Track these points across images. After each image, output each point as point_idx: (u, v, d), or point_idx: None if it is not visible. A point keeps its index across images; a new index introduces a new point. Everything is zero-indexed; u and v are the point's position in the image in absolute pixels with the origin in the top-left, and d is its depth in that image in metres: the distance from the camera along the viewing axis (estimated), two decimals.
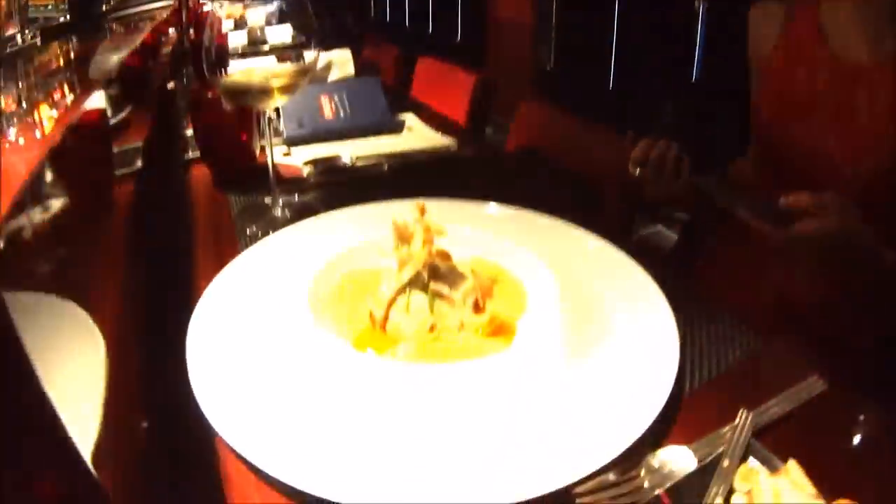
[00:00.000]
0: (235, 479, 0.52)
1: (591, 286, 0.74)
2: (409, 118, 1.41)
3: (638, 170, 1.01)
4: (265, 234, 0.90)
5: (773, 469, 0.49)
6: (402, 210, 0.88)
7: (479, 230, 0.80)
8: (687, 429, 0.56)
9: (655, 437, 0.54)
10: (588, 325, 0.67)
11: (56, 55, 1.47)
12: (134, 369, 0.64)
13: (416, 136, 1.33)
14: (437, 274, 0.67)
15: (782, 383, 0.60)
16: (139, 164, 1.06)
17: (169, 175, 1.27)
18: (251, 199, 1.03)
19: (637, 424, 0.54)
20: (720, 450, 0.52)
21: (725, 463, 0.50)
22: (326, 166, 1.15)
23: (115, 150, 1.06)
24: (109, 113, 1.09)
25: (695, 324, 0.71)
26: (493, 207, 0.91)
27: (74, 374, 0.51)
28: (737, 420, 0.55)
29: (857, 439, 0.60)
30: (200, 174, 1.15)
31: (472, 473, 0.51)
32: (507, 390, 0.58)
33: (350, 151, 1.20)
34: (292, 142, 1.25)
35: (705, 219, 1.10)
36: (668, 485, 0.50)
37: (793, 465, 0.47)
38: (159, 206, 1.11)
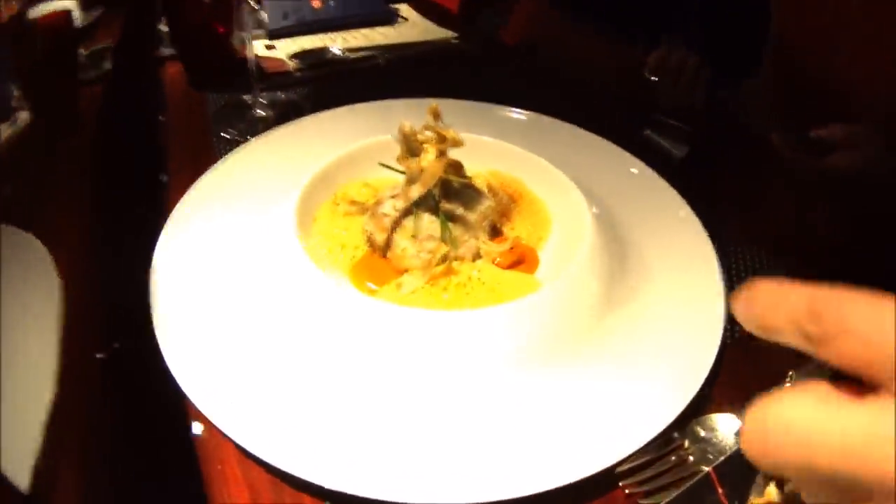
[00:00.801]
0: (209, 444, 0.44)
1: (624, 211, 0.63)
2: (403, 8, 1.27)
3: (653, 76, 0.94)
4: (244, 138, 0.78)
5: None
6: (402, 110, 0.76)
7: (493, 138, 0.68)
8: (729, 389, 0.49)
9: (699, 399, 0.46)
10: (623, 261, 0.57)
11: None
12: (94, 309, 0.53)
13: (411, 27, 1.20)
14: (449, 191, 0.56)
15: None
16: (108, 66, 0.92)
17: (141, 77, 1.13)
18: (230, 98, 0.90)
19: (685, 387, 0.46)
20: None
21: None
22: (314, 60, 1.01)
23: (84, 52, 0.92)
24: (78, 14, 0.94)
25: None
26: (501, 111, 0.79)
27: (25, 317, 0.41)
28: (785, 382, 0.46)
29: None
30: (175, 73, 1.01)
31: (488, 455, 0.42)
32: (535, 343, 0.48)
33: (340, 44, 1.06)
34: (276, 35, 1.11)
35: (719, 137, 0.99)
36: (718, 460, 0.42)
37: None
38: (128, 112, 0.98)
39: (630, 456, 0.42)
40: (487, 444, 0.42)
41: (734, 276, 0.59)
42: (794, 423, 0.21)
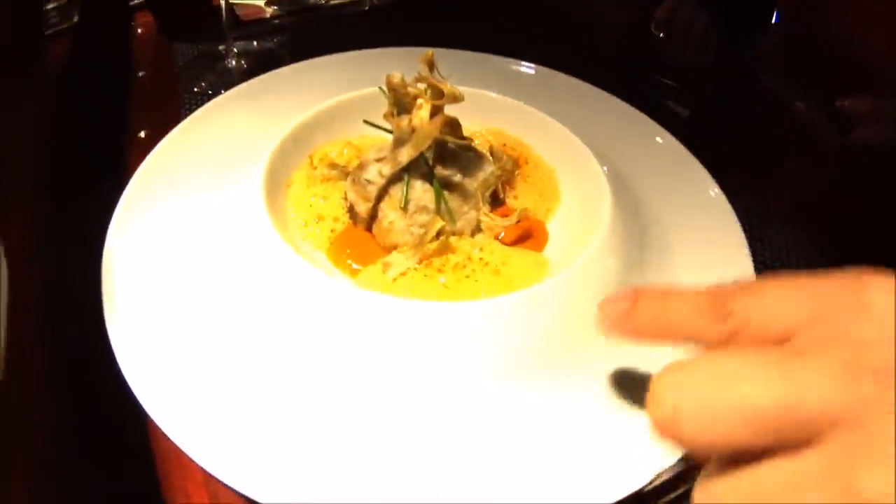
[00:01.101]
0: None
1: (645, 185, 0.55)
2: None
3: (661, 32, 0.87)
4: (215, 91, 0.69)
5: None
6: (390, 60, 0.66)
7: (494, 92, 0.60)
8: None
9: None
10: (643, 240, 0.49)
11: None
12: (44, 296, 0.46)
13: None
14: (444, 154, 0.48)
15: None
16: (76, 18, 0.82)
17: (110, 29, 1.03)
18: (202, 48, 0.81)
19: None
20: None
21: None
22: (294, 5, 0.91)
23: (53, 5, 0.82)
24: None
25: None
26: (505, 63, 0.69)
27: None
28: None
29: None
30: (145, 24, 0.91)
31: (496, 478, 0.35)
32: (547, 339, 0.41)
33: None
34: None
35: (728, 99, 0.92)
36: None
37: None
38: (94, 67, 0.89)
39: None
40: (493, 463, 0.35)
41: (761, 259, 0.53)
42: (712, 382, 0.20)
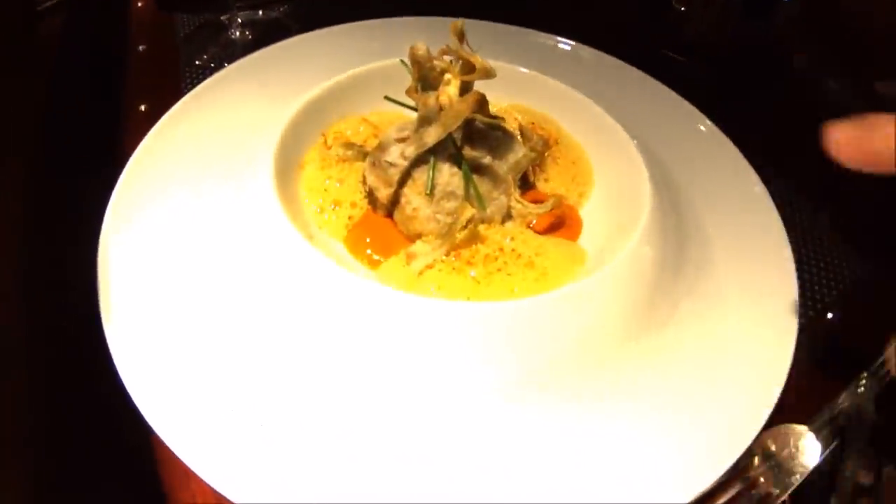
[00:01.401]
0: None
1: (685, 176, 0.51)
2: None
3: (682, 6, 0.83)
4: (218, 65, 0.65)
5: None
6: (412, 30, 0.62)
7: (523, 68, 0.55)
8: (800, 395, 0.40)
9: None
10: (682, 235, 0.46)
11: None
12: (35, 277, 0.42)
13: None
14: (473, 134, 0.44)
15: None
16: None
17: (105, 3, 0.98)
18: (203, 19, 0.76)
19: (758, 402, 0.37)
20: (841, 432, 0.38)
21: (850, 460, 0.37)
22: None
23: None
24: None
25: None
26: (537, 37, 0.65)
27: None
28: (858, 387, 0.39)
29: None
30: None
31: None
32: (585, 342, 0.37)
33: None
34: None
35: (750, 72, 0.88)
36: (793, 483, 0.35)
37: None
38: (90, 40, 0.84)
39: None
40: (529, 480, 0.32)
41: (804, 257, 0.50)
42: None
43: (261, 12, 0.77)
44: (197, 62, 0.68)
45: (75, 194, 0.50)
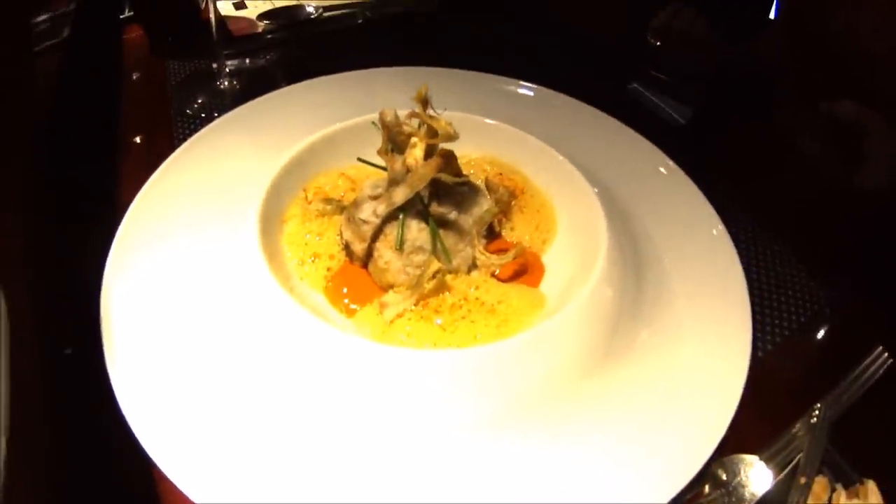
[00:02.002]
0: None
1: (640, 209, 0.55)
2: None
3: (658, 41, 0.88)
4: (208, 114, 0.69)
5: (849, 484, 0.40)
6: (385, 81, 0.66)
7: (492, 115, 0.59)
8: (750, 425, 0.43)
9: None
10: (639, 275, 0.49)
11: None
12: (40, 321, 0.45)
13: None
14: (440, 191, 0.47)
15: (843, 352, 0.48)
16: (66, 33, 0.81)
17: (100, 43, 1.01)
18: (193, 67, 0.80)
19: (708, 431, 0.40)
20: (794, 460, 0.41)
21: (802, 480, 0.39)
22: (287, 20, 0.90)
23: (44, 17, 0.81)
24: None
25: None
26: (503, 84, 0.69)
27: None
28: (812, 417, 0.42)
29: None
30: (136, 39, 0.90)
31: None
32: (540, 382, 0.41)
33: (315, 2, 0.95)
34: None
35: (727, 106, 0.91)
36: None
37: (872, 488, 0.39)
38: (85, 85, 0.87)
39: None
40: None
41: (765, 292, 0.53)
42: None
43: (248, 61, 0.81)
44: (188, 111, 0.71)
45: (75, 238, 0.54)
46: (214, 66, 0.77)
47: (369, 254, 0.47)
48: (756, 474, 0.40)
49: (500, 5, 0.97)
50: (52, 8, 0.84)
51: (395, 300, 0.44)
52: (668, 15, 0.86)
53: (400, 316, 0.44)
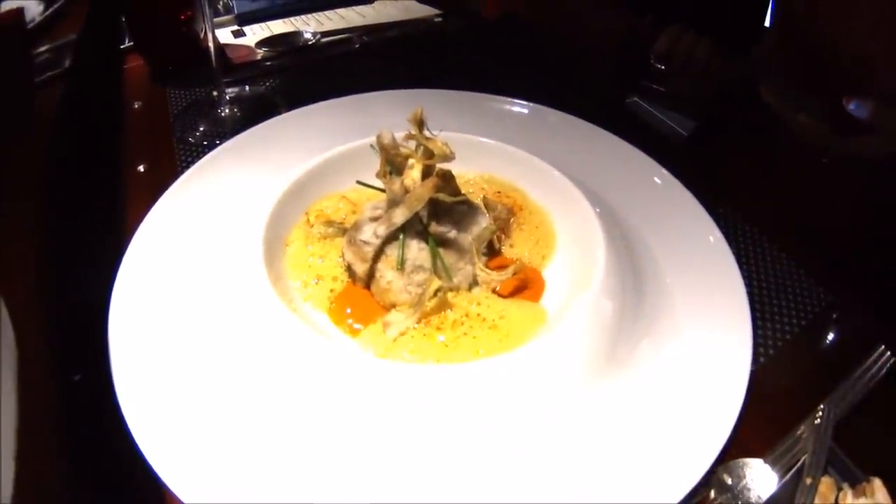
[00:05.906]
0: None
1: (637, 220, 0.56)
2: None
3: (662, 64, 0.91)
4: (210, 142, 0.70)
5: (855, 483, 0.40)
6: (382, 104, 0.67)
7: (489, 134, 0.60)
8: (755, 429, 0.43)
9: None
10: (639, 286, 0.50)
11: None
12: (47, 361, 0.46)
13: (390, 5, 1.10)
14: (439, 210, 0.48)
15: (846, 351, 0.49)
16: (68, 63, 0.82)
17: (102, 72, 1.03)
18: (194, 95, 0.81)
19: (712, 435, 0.40)
20: (799, 461, 0.41)
21: (807, 481, 0.40)
22: (285, 46, 0.92)
23: (46, 47, 0.83)
24: (35, 8, 0.85)
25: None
26: (499, 103, 0.70)
27: None
28: (816, 419, 0.43)
29: None
30: (137, 67, 0.91)
31: None
32: (541, 393, 0.42)
33: (313, 27, 0.97)
34: (244, 19, 1.02)
35: (729, 121, 0.92)
36: None
37: (878, 486, 0.39)
38: (87, 114, 0.89)
39: None
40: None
41: (764, 297, 0.54)
42: None
43: (248, 88, 0.82)
44: (190, 139, 0.72)
45: (76, 276, 0.55)
46: (215, 93, 0.78)
47: (371, 274, 0.48)
48: (761, 477, 0.40)
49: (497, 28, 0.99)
50: (53, 38, 0.86)
51: (398, 319, 0.45)
52: (670, 40, 0.87)
53: (403, 334, 0.44)
